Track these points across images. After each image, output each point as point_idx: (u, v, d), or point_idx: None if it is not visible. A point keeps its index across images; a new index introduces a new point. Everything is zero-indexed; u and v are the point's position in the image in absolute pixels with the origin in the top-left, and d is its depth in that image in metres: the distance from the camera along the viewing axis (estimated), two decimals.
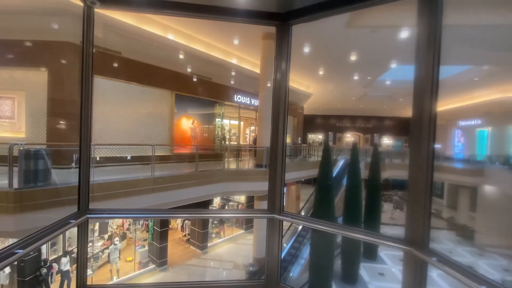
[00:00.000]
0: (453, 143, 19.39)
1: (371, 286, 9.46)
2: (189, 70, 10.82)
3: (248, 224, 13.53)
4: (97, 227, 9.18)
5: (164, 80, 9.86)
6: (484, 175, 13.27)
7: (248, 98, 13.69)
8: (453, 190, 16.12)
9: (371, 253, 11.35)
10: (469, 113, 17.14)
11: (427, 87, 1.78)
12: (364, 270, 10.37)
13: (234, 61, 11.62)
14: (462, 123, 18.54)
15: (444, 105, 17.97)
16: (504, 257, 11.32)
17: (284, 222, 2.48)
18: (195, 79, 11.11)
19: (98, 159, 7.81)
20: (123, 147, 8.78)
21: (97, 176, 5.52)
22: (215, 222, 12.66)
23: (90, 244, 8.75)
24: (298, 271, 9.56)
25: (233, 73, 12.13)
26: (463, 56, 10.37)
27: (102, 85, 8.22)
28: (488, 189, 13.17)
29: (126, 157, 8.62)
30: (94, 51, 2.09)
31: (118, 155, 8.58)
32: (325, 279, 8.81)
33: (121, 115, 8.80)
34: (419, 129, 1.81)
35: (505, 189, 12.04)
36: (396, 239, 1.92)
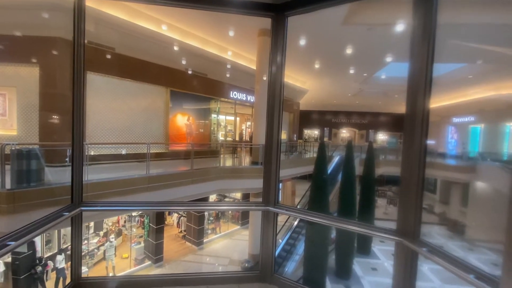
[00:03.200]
0: (446, 140, 19.65)
1: (364, 281, 9.60)
2: (184, 66, 10.72)
3: (244, 219, 13.57)
4: (92, 224, 9.11)
5: (159, 76, 9.75)
6: (476, 172, 13.52)
7: (244, 94, 13.65)
8: (446, 185, 16.39)
9: (364, 248, 11.52)
10: (463, 110, 17.37)
11: (420, 84, 1.81)
12: (358, 265, 10.52)
13: (229, 57, 11.53)
14: (456, 119, 18.78)
15: (438, 102, 18.16)
16: (493, 252, 11.57)
17: (279, 218, 2.50)
18: (190, 72, 11.00)
19: (92, 153, 7.72)
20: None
21: (91, 173, 5.45)
22: (211, 218, 12.67)
23: (85, 241, 8.68)
24: (293, 267, 9.66)
25: (228, 69, 12.05)
26: (457, 54, 10.46)
27: (95, 81, 8.09)
28: (479, 185, 13.43)
29: (121, 152, 8.53)
30: (86, 42, 2.05)
31: (113, 152, 8.49)
32: (319, 273, 8.92)
33: (116, 111, 8.69)
34: (412, 125, 1.84)
35: (495, 185, 12.27)
36: (387, 230, 1.96)
